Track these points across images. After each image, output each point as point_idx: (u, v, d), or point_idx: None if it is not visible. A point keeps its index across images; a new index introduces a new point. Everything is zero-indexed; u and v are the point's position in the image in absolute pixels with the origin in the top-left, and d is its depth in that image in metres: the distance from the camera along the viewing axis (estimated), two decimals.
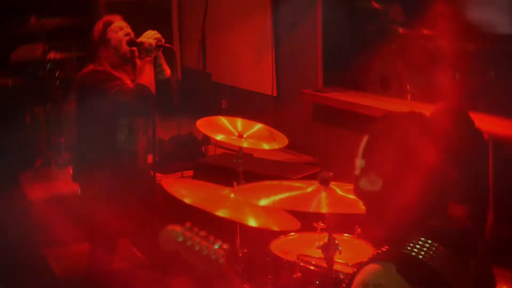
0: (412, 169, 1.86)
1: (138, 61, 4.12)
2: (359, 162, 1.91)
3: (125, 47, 4.05)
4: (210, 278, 1.99)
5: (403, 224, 1.87)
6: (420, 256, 1.80)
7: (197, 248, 1.99)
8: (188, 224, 2.02)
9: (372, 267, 1.81)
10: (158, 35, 4.08)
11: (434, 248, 1.81)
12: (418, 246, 1.81)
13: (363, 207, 1.96)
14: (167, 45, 4.16)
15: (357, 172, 1.92)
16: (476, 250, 1.93)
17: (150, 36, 4.05)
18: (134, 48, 4.07)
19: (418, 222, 1.86)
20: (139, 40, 4.05)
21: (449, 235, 1.88)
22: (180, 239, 2.00)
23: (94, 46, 4.07)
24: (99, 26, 4.09)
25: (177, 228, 2.03)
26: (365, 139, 1.93)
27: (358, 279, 1.81)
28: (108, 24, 4.08)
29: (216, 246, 2.00)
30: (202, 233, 2.01)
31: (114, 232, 3.97)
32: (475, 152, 3.41)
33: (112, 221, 3.79)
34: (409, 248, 1.81)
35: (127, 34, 4.07)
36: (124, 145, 4.05)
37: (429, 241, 1.82)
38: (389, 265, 1.79)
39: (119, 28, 4.07)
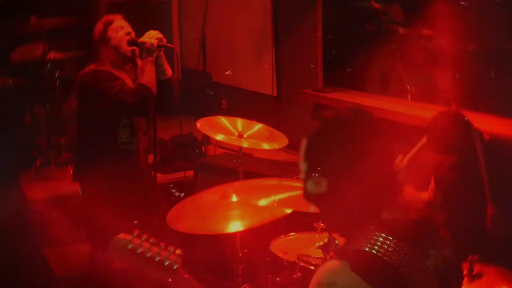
0: (355, 166, 1.85)
1: (139, 61, 4.12)
2: (302, 166, 1.91)
3: (125, 47, 4.04)
4: (166, 284, 1.98)
5: (355, 221, 1.86)
6: (374, 251, 1.77)
7: (148, 254, 1.97)
8: (136, 232, 2.01)
9: (327, 265, 1.80)
10: (160, 35, 4.08)
11: (388, 242, 1.79)
12: (372, 241, 1.79)
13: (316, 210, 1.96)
14: (168, 45, 4.16)
15: (301, 176, 1.91)
16: (436, 240, 1.91)
17: (151, 36, 4.05)
18: (135, 48, 4.07)
19: (370, 217, 1.85)
20: (140, 40, 4.05)
21: (404, 226, 1.86)
22: (130, 246, 1.98)
23: (95, 45, 4.07)
24: (99, 25, 4.09)
25: (126, 237, 2.00)
26: (304, 142, 1.93)
27: (313, 278, 1.81)
28: (109, 23, 4.08)
29: (169, 252, 1.97)
30: (153, 240, 1.99)
31: (114, 232, 3.97)
32: (474, 153, 3.41)
33: (112, 220, 3.78)
34: (363, 244, 1.80)
35: (128, 34, 4.07)
36: (125, 145, 4.05)
37: (383, 235, 1.80)
38: (343, 263, 1.77)
39: (119, 28, 4.07)
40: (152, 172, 4.39)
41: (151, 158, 4.35)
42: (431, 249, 1.87)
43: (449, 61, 4.34)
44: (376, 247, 1.78)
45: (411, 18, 4.91)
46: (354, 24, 5.45)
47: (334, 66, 5.66)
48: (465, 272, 2.89)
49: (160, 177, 5.15)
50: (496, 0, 4.33)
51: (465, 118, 3.42)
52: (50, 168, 5.98)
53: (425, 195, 3.69)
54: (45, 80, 6.34)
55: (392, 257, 1.78)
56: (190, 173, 5.27)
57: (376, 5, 5.27)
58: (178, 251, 1.98)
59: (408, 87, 4.95)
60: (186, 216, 3.22)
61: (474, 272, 2.88)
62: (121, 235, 2.02)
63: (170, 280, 1.98)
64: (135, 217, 3.93)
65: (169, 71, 4.17)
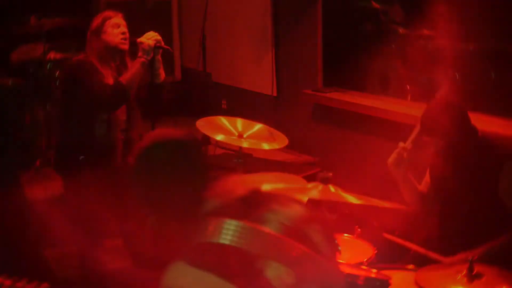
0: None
1: (129, 62, 4.16)
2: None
3: (118, 41, 4.08)
4: None
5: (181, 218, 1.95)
6: (208, 240, 1.83)
7: None
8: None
9: (168, 269, 1.84)
10: (159, 37, 4.11)
11: (221, 224, 1.84)
12: (203, 231, 1.85)
13: None
14: (166, 46, 4.18)
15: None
16: (271, 204, 1.94)
17: (150, 37, 4.08)
18: (126, 48, 4.11)
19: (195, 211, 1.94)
20: (139, 40, 4.08)
21: (231, 205, 1.92)
22: None
23: (89, 35, 4.13)
24: (98, 18, 4.16)
25: None
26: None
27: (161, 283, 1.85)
28: (107, 18, 4.13)
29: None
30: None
31: (95, 228, 4.01)
32: (467, 147, 3.42)
33: (92, 213, 3.83)
34: (195, 237, 1.85)
35: (123, 33, 4.10)
36: (101, 138, 4.08)
37: (213, 220, 1.86)
38: (180, 263, 1.82)
39: (116, 25, 4.10)
40: None
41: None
42: (268, 214, 1.88)
43: (449, 61, 4.34)
44: (208, 235, 1.83)
45: (411, 18, 4.90)
46: (354, 24, 5.45)
47: (334, 66, 5.66)
48: (465, 272, 2.89)
49: None
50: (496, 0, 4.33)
51: (458, 106, 3.43)
52: (50, 168, 5.98)
53: (422, 187, 3.70)
54: (45, 80, 6.34)
55: (226, 237, 1.81)
56: None
57: (376, 5, 5.27)
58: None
59: (408, 87, 4.95)
60: None
61: (474, 272, 2.88)
62: None
63: None
64: (115, 211, 3.95)
65: (162, 76, 4.23)
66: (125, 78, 4.01)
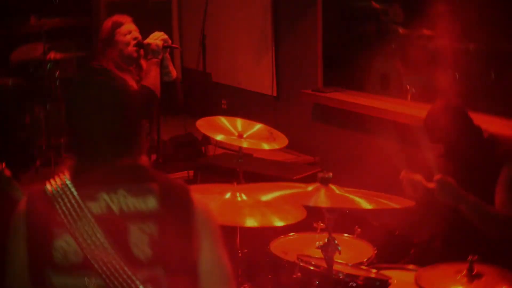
0: None
1: (143, 63, 4.12)
2: None
3: (131, 50, 4.05)
4: None
5: None
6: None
7: None
8: None
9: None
10: (165, 36, 4.08)
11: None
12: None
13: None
14: (174, 45, 4.18)
15: None
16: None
17: (157, 37, 4.06)
18: (140, 49, 4.07)
19: None
20: (146, 41, 4.05)
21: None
22: None
23: (101, 45, 4.08)
24: (107, 25, 4.09)
25: None
26: None
27: None
28: (118, 25, 4.08)
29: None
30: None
31: None
32: (472, 149, 3.41)
33: None
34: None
35: (135, 38, 4.08)
36: None
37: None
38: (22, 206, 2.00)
39: (127, 31, 4.07)
40: None
41: (153, 158, 4.35)
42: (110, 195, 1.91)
43: (449, 61, 4.34)
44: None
45: (411, 18, 4.91)
46: (354, 24, 5.45)
47: (334, 66, 5.66)
48: (465, 272, 2.89)
49: None
50: (496, 0, 4.33)
51: (460, 108, 3.43)
52: (50, 168, 5.98)
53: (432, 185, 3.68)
54: (45, 80, 6.34)
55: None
56: (190, 173, 5.27)
57: (376, 5, 5.27)
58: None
59: (408, 87, 4.95)
60: None
61: (474, 272, 2.88)
62: None
63: None
64: None
65: (174, 73, 4.18)
66: (147, 82, 3.97)
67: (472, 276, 2.87)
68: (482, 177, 3.38)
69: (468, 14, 4.21)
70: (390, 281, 3.01)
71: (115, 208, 1.88)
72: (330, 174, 2.77)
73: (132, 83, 4.00)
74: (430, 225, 3.68)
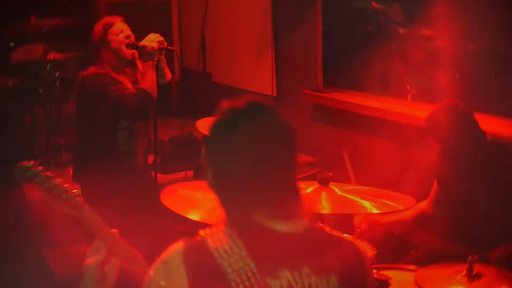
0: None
1: (139, 64, 4.11)
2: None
3: (125, 50, 4.04)
4: (80, 222, 2.02)
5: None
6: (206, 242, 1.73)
7: (55, 191, 2.05)
8: (33, 162, 2.07)
9: (172, 246, 1.77)
10: (161, 38, 4.07)
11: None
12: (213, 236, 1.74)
13: None
14: (169, 47, 4.16)
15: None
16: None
17: (152, 40, 4.04)
18: (135, 51, 4.06)
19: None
20: (141, 43, 4.03)
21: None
22: (29, 173, 2.06)
23: (94, 48, 4.06)
24: (98, 27, 4.07)
25: (25, 164, 2.07)
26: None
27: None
28: (108, 26, 4.06)
29: (73, 194, 2.06)
30: (57, 180, 2.05)
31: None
32: (475, 152, 3.41)
33: (111, 221, 3.78)
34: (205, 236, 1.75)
35: (128, 37, 4.06)
36: (123, 147, 4.05)
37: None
38: (181, 246, 1.74)
39: (119, 31, 4.05)
40: (153, 173, 4.39)
41: (151, 159, 4.34)
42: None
43: (449, 61, 4.34)
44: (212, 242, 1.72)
45: (411, 18, 4.90)
46: (354, 24, 5.45)
47: (334, 66, 5.66)
48: (464, 272, 2.89)
49: (160, 177, 5.15)
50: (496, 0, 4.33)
51: (462, 110, 3.43)
52: (50, 169, 5.98)
53: (423, 204, 3.70)
54: (45, 80, 6.34)
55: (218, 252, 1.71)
56: (190, 173, 5.27)
57: (376, 5, 5.27)
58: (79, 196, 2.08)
59: (408, 87, 4.95)
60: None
61: (474, 272, 2.88)
62: (25, 163, 2.07)
63: (81, 215, 2.08)
64: (135, 218, 3.94)
65: (168, 75, 4.17)
66: (144, 85, 3.96)
67: (472, 276, 2.88)
68: (480, 182, 3.38)
69: (468, 14, 4.21)
70: (390, 281, 3.01)
71: None
72: (330, 174, 2.77)
73: (129, 85, 3.99)
74: (436, 230, 3.68)
